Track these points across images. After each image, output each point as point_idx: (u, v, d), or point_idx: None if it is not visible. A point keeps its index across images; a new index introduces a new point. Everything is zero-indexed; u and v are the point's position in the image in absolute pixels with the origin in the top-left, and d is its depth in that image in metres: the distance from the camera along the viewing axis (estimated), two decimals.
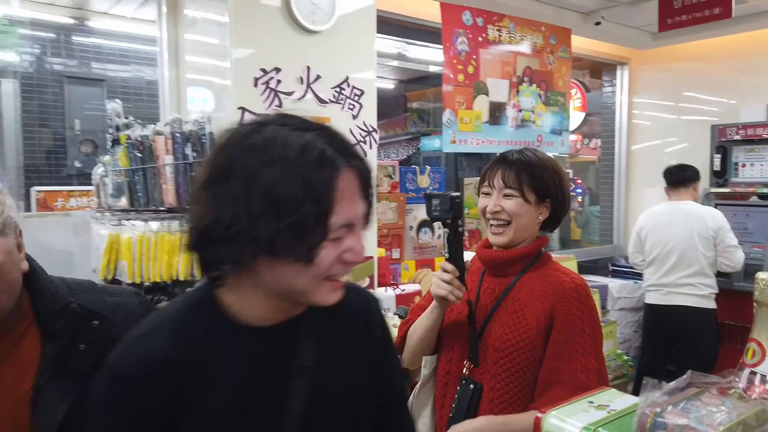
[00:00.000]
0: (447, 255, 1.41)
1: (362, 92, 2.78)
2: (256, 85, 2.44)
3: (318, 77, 2.63)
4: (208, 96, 2.65)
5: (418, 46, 6.16)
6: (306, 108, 2.59)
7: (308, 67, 2.59)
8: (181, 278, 2.20)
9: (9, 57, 2.90)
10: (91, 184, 2.56)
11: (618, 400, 0.72)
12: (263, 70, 2.46)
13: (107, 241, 2.20)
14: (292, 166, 0.79)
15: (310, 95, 2.61)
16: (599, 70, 5.49)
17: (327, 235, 0.83)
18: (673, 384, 0.63)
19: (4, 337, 1.07)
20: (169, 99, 2.91)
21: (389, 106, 7.37)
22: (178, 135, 2.16)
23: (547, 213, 1.51)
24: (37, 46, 5.10)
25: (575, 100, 5.83)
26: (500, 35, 3.50)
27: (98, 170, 2.42)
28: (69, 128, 5.15)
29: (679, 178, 3.65)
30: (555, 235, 5.07)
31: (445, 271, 1.40)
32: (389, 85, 7.71)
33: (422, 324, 1.52)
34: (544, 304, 1.41)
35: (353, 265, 0.88)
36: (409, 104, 7.27)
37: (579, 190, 7.72)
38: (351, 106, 2.75)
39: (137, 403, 0.84)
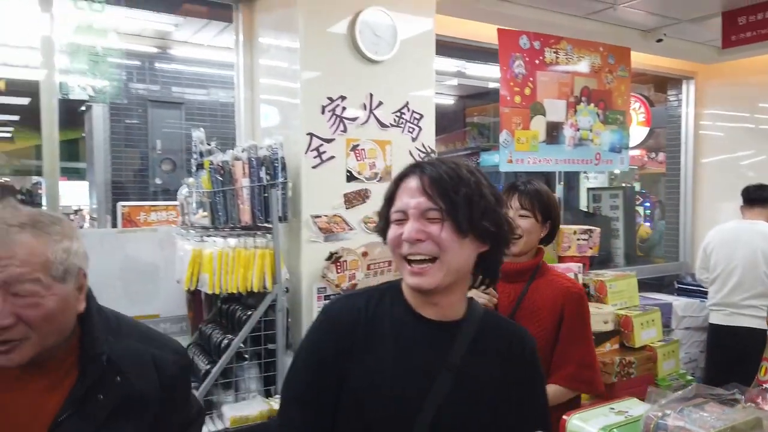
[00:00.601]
0: None
1: (421, 116, 2.94)
2: (323, 112, 2.64)
3: (380, 103, 2.80)
4: (280, 116, 2.87)
5: (478, 63, 6.27)
6: (368, 132, 2.77)
7: (371, 94, 2.77)
8: (255, 290, 2.42)
9: (100, 84, 3.23)
10: (170, 200, 2.83)
11: (637, 407, 0.82)
12: (329, 98, 2.66)
13: (191, 255, 2.44)
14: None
15: (372, 120, 2.78)
16: (664, 84, 5.42)
17: (389, 218, 1.14)
18: (680, 393, 0.74)
19: (49, 371, 1.13)
20: (244, 119, 3.15)
21: (448, 121, 7.49)
22: (253, 160, 2.39)
23: (546, 232, 1.91)
24: (124, 74, 5.57)
25: (639, 114, 5.77)
26: (557, 57, 3.58)
27: (183, 191, 2.68)
28: (151, 148, 5.59)
29: (755, 197, 3.58)
30: (620, 251, 5.01)
31: None
32: (449, 101, 7.85)
33: None
34: (556, 305, 1.82)
35: (408, 243, 1.10)
36: (467, 119, 7.36)
37: (647, 204, 7.53)
38: (411, 129, 2.91)
39: (333, 334, 1.17)
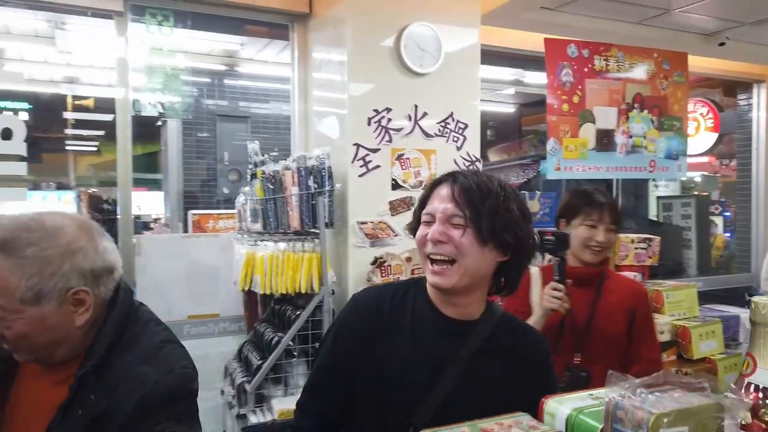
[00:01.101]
0: (557, 277, 1.89)
1: (466, 125, 3.01)
2: (369, 123, 2.78)
3: (425, 114, 2.91)
4: (329, 127, 3.03)
5: (534, 72, 6.25)
6: (413, 142, 2.88)
7: (416, 106, 2.88)
8: (303, 291, 2.57)
9: (173, 100, 3.51)
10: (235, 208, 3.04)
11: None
12: (375, 110, 2.79)
13: (245, 258, 2.63)
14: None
15: (417, 130, 2.89)
16: (733, 88, 5.22)
17: (420, 218, 1.27)
18: (647, 378, 0.80)
19: (63, 367, 1.17)
20: (299, 130, 3.34)
21: (505, 131, 7.47)
22: (302, 169, 2.55)
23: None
24: (196, 90, 5.96)
25: (707, 120, 5.56)
26: (608, 65, 3.56)
27: (240, 199, 2.88)
28: (219, 160, 5.93)
29: None
30: (692, 262, 4.85)
31: (557, 289, 1.87)
32: (506, 110, 7.82)
33: None
34: (629, 305, 2.00)
35: (432, 243, 1.21)
36: (524, 128, 7.32)
37: (727, 214, 7.16)
38: (455, 139, 2.99)
39: (358, 321, 1.31)
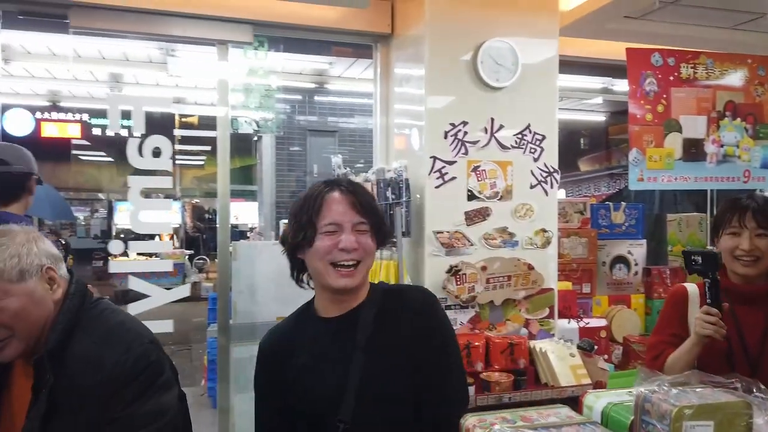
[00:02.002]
0: (709, 300, 1.71)
1: (543, 137, 3.04)
2: (445, 137, 2.88)
3: (501, 126, 2.97)
4: (408, 140, 3.17)
5: (623, 79, 6.06)
6: (489, 154, 2.95)
7: (492, 119, 2.95)
8: None
9: (268, 116, 3.79)
10: None
11: None
12: (452, 124, 2.89)
13: None
14: (303, 196, 1.40)
15: (493, 143, 2.96)
16: None
17: (317, 229, 1.33)
18: (678, 376, 0.86)
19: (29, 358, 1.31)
20: (380, 143, 3.50)
21: (595, 140, 7.28)
22: (381, 181, 2.70)
23: None
24: (288, 107, 6.34)
25: None
26: (695, 72, 3.44)
27: None
28: (309, 172, 6.26)
29: None
30: None
31: (710, 314, 1.68)
32: (596, 119, 7.63)
33: (683, 359, 1.74)
34: None
35: (346, 252, 1.32)
36: (614, 137, 7.10)
37: None
38: (532, 150, 3.02)
39: (265, 366, 1.44)
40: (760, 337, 1.74)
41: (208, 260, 10.27)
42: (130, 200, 2.84)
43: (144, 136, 2.87)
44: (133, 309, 2.82)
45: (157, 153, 2.88)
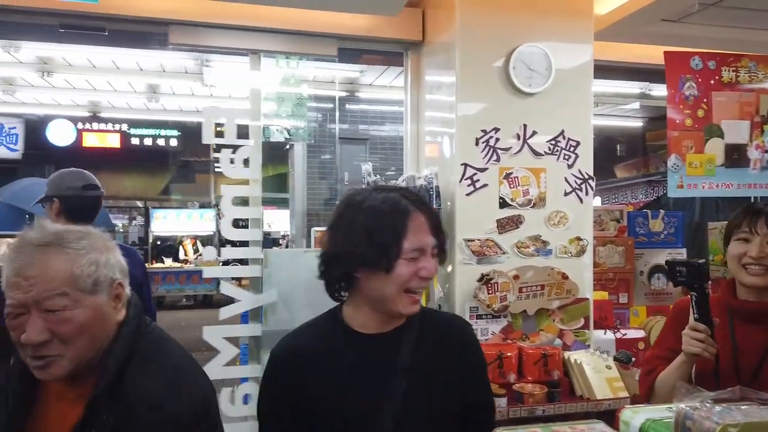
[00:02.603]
0: (696, 316, 1.54)
1: (578, 143, 2.97)
2: (477, 144, 2.85)
3: (534, 132, 2.92)
4: (439, 147, 3.14)
5: (661, 84, 5.93)
6: (522, 161, 2.90)
7: (524, 125, 2.90)
8: None
9: (298, 125, 3.83)
10: None
11: None
12: (483, 130, 2.86)
13: None
14: (378, 210, 1.23)
15: (526, 149, 2.91)
16: None
17: (401, 253, 1.21)
18: (723, 392, 0.81)
19: (82, 381, 1.16)
20: (411, 150, 3.49)
21: (632, 146, 7.11)
22: (411, 189, 2.68)
23: None
24: (320, 115, 6.39)
25: None
26: (737, 76, 3.33)
27: None
28: (340, 180, 6.29)
29: None
30: None
31: (697, 330, 1.51)
32: (630, 125, 7.46)
33: (672, 376, 1.59)
34: None
35: (427, 280, 1.24)
36: (651, 143, 6.93)
37: None
38: (566, 157, 2.96)
39: (283, 377, 1.29)
40: (756, 361, 1.55)
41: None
42: (222, 208, 2.97)
43: (236, 147, 2.97)
44: (227, 312, 2.97)
45: (246, 163, 2.99)
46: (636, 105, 6.18)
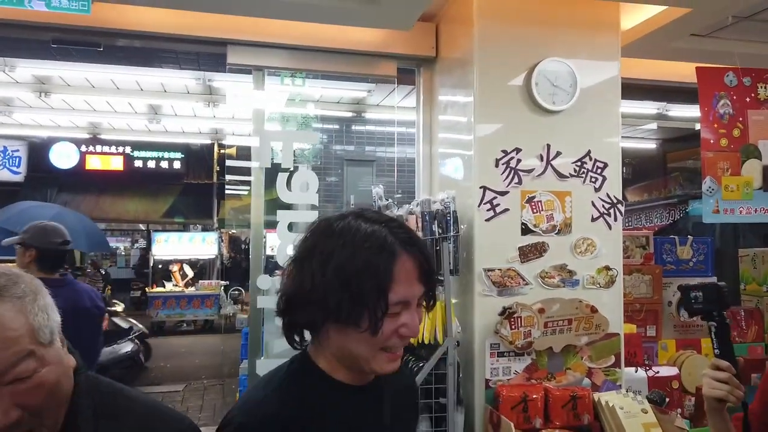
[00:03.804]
0: (717, 351, 1.33)
1: (605, 165, 2.75)
2: (497, 165, 2.63)
3: (558, 153, 2.70)
4: (454, 170, 2.93)
5: (680, 104, 5.73)
6: (545, 183, 2.68)
7: (548, 145, 2.69)
8: (426, 342, 2.43)
9: (304, 146, 3.65)
10: None
11: None
12: (504, 151, 2.64)
13: None
14: (359, 249, 0.96)
15: (549, 171, 2.69)
16: None
17: (387, 309, 0.96)
18: None
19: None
20: (423, 173, 3.30)
21: (647, 168, 6.91)
22: (426, 214, 2.46)
23: None
24: (325, 137, 6.21)
25: None
26: None
27: None
28: (346, 203, 6.08)
29: None
30: None
31: (719, 368, 1.30)
32: (649, 146, 7.27)
33: None
34: None
35: (407, 338, 1.01)
36: (670, 164, 6.72)
37: None
38: (593, 179, 2.74)
39: None
40: None
41: (243, 291, 10.15)
42: (278, 233, 2.93)
43: (292, 172, 2.97)
44: None
45: (304, 187, 2.99)
46: (653, 125, 5.98)
